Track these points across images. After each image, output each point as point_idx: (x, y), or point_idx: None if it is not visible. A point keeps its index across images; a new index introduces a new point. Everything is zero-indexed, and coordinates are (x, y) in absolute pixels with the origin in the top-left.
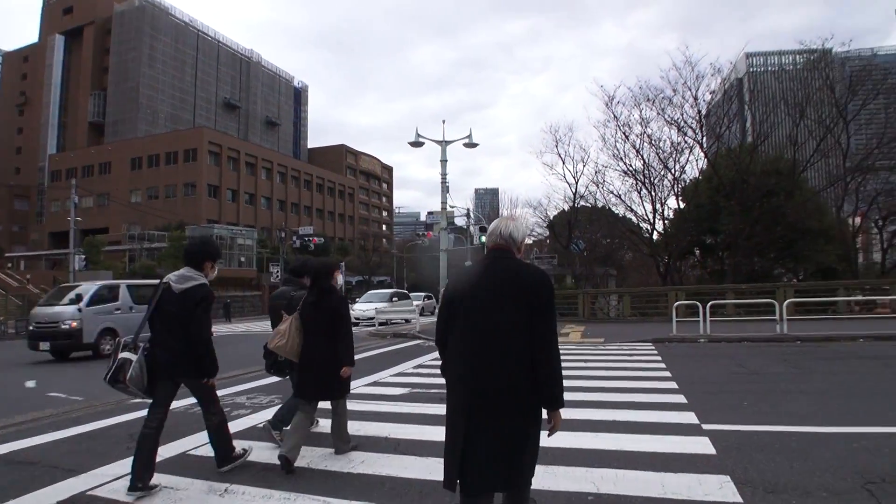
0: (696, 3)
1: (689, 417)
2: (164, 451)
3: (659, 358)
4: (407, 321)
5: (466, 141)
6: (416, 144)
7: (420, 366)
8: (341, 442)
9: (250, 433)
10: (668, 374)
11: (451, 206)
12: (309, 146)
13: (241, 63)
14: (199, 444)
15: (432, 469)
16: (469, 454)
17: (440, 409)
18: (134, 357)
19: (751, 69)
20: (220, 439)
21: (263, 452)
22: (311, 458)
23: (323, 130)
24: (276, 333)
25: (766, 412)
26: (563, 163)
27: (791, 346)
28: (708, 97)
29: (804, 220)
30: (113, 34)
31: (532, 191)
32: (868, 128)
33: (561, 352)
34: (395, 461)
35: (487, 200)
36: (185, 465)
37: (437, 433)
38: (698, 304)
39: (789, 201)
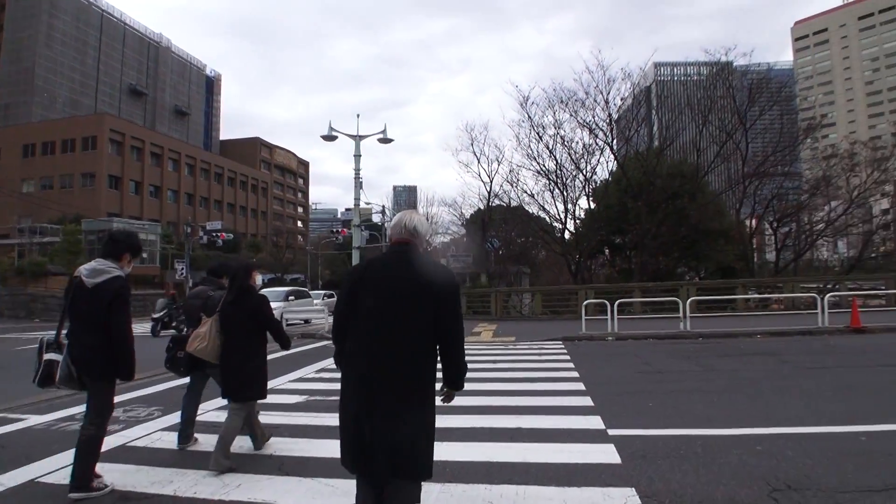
0: (609, 13)
1: (595, 422)
2: (8, 480)
3: (568, 357)
4: (306, 321)
5: (381, 136)
6: (329, 138)
7: (323, 370)
8: (222, 455)
9: (115, 455)
10: (576, 374)
11: (367, 203)
12: (221, 138)
13: (150, 48)
14: (54, 468)
15: (316, 493)
16: (365, 445)
17: (336, 420)
18: (59, 357)
19: (658, 78)
20: (87, 456)
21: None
22: (179, 483)
23: (237, 122)
24: (196, 336)
25: (672, 414)
26: (479, 161)
27: (694, 342)
28: (618, 102)
29: (706, 221)
30: (7, 9)
31: (449, 189)
32: (764, 136)
33: (471, 352)
34: (276, 484)
35: (405, 198)
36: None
37: (329, 448)
38: (607, 302)
39: (692, 203)
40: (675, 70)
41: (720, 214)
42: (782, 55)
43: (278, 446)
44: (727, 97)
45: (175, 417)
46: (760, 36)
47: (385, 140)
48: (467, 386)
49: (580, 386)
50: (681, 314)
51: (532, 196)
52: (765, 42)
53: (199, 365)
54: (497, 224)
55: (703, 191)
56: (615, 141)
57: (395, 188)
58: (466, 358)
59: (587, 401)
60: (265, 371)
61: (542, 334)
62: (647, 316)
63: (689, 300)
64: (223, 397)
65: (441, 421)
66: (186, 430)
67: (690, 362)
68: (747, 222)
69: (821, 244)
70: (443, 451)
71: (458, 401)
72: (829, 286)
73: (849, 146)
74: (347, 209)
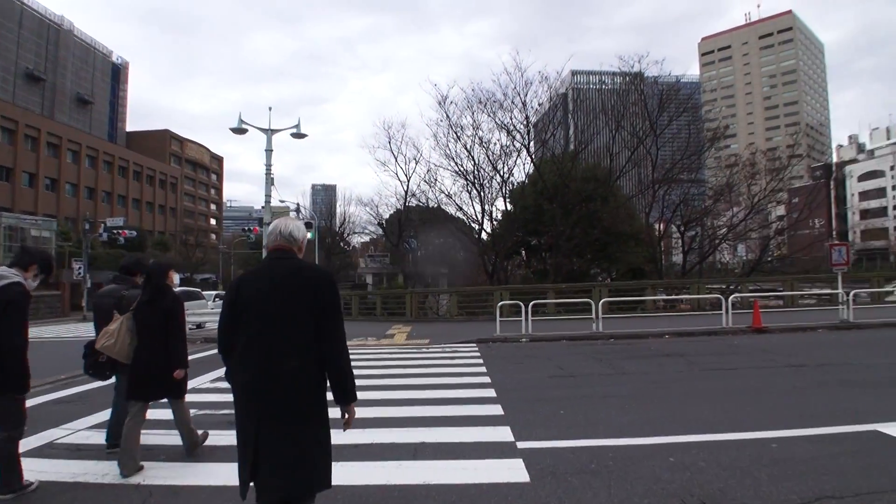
0: (529, 21)
1: (505, 434)
2: None
3: (481, 360)
4: (199, 326)
5: (294, 131)
6: (239, 131)
7: (219, 378)
8: (192, 443)
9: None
10: (487, 379)
11: (282, 201)
12: (128, 129)
13: (50, 30)
14: None
15: None
16: (261, 461)
17: (224, 437)
18: None
19: (575, 85)
20: (5, 461)
21: None
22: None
23: (146, 114)
24: (104, 333)
25: (583, 423)
26: (396, 160)
27: (606, 343)
28: (535, 104)
29: (617, 224)
30: None
31: (369, 189)
32: (673, 143)
33: (382, 356)
34: None
35: (323, 197)
36: None
37: (210, 473)
38: (521, 303)
39: (605, 206)
40: (591, 78)
41: (631, 218)
42: (690, 69)
43: (151, 472)
44: (639, 103)
45: (103, 416)
46: (670, 50)
47: (298, 135)
48: (372, 395)
49: (491, 392)
50: (593, 315)
51: (449, 196)
52: (674, 56)
53: (122, 366)
54: (415, 224)
55: (615, 195)
56: (532, 143)
57: (313, 186)
58: (379, 362)
59: (497, 409)
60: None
61: (456, 336)
62: (561, 317)
63: (602, 301)
64: (128, 399)
65: (338, 436)
66: (115, 430)
67: (602, 365)
68: (656, 226)
69: (723, 248)
70: (337, 474)
71: (361, 412)
72: (731, 287)
73: (750, 155)
74: (263, 206)
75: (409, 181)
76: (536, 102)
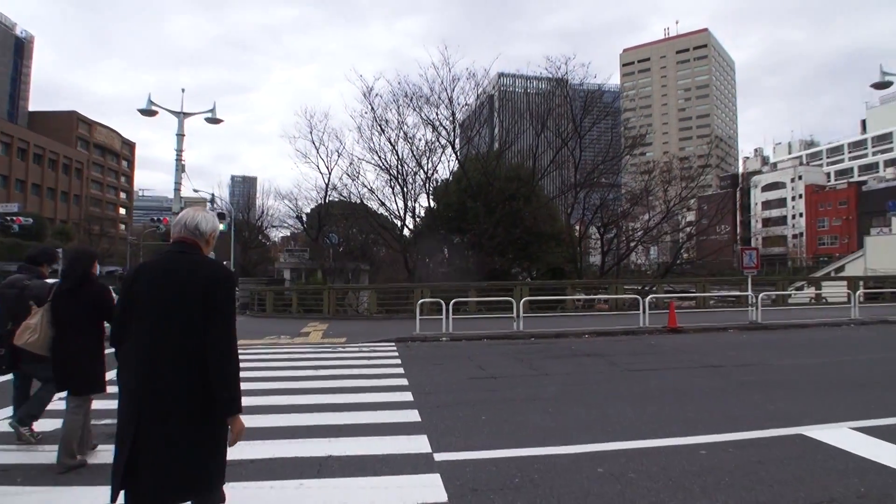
0: (458, 22)
1: (422, 444)
2: None
3: (399, 361)
4: None
5: (209, 115)
6: (148, 113)
7: (110, 381)
8: (67, 455)
9: None
10: (405, 381)
11: (195, 191)
12: (31, 109)
13: None
14: None
15: None
16: (137, 464)
17: (100, 455)
18: None
19: (501, 87)
20: None
21: None
22: None
23: (52, 93)
24: (26, 328)
25: (506, 430)
26: (318, 151)
27: (527, 343)
28: (462, 101)
29: (539, 224)
30: None
31: (290, 182)
32: (595, 146)
33: (294, 356)
34: None
35: (243, 189)
36: None
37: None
38: (442, 301)
39: (528, 206)
40: (518, 81)
41: (552, 218)
42: (612, 79)
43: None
44: (564, 105)
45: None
46: (593, 59)
47: (213, 120)
48: (279, 400)
49: (408, 396)
50: (514, 314)
51: (372, 191)
52: (598, 64)
53: (22, 361)
54: (336, 219)
55: (537, 195)
56: (457, 140)
57: (232, 178)
58: (290, 362)
59: (414, 415)
60: (104, 363)
61: (375, 334)
62: (483, 316)
63: (523, 300)
64: (59, 390)
65: (237, 451)
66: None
67: (524, 365)
68: (577, 227)
69: (639, 250)
70: (228, 498)
71: (264, 420)
72: (647, 288)
73: (666, 162)
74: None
75: (330, 174)
76: (463, 99)
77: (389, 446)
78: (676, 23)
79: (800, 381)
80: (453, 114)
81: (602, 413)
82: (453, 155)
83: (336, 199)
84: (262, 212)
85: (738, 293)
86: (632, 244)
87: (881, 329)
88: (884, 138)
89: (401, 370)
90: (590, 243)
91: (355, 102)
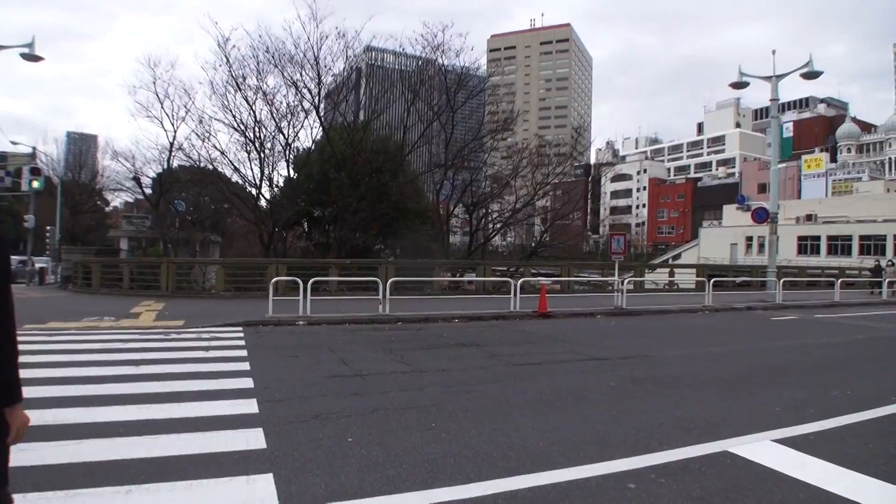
0: None
1: (264, 488)
2: None
3: (245, 353)
4: None
5: (26, 51)
6: None
7: None
8: None
9: None
10: (249, 382)
11: (13, 143)
12: None
13: None
14: None
15: None
16: None
17: None
18: None
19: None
20: None
21: None
22: None
23: None
24: None
25: (380, 459)
26: (162, 105)
27: (394, 328)
28: (329, 61)
29: (406, 200)
30: None
31: (133, 141)
32: (465, 124)
33: (118, 341)
34: None
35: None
36: None
37: None
38: (300, 280)
39: (394, 181)
40: (387, 57)
41: (419, 195)
42: (480, 63)
43: None
44: (438, 76)
45: None
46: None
47: (31, 57)
48: (67, 416)
49: (251, 405)
50: (380, 295)
51: (224, 154)
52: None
53: None
54: (185, 185)
55: (404, 170)
56: (322, 105)
57: (69, 134)
58: (104, 354)
59: (257, 437)
60: None
61: (221, 317)
62: (345, 296)
63: (390, 281)
64: None
65: None
66: None
67: (394, 358)
68: (446, 205)
69: (504, 232)
70: None
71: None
72: (512, 271)
73: (540, 144)
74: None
75: (175, 132)
76: (331, 60)
77: (219, 494)
78: (542, 15)
79: (692, 378)
80: (319, 75)
81: (497, 430)
82: (317, 121)
83: (185, 164)
84: (96, 172)
85: (608, 278)
86: (498, 225)
87: (732, 316)
88: (717, 140)
89: (246, 365)
90: (454, 223)
91: (209, 54)
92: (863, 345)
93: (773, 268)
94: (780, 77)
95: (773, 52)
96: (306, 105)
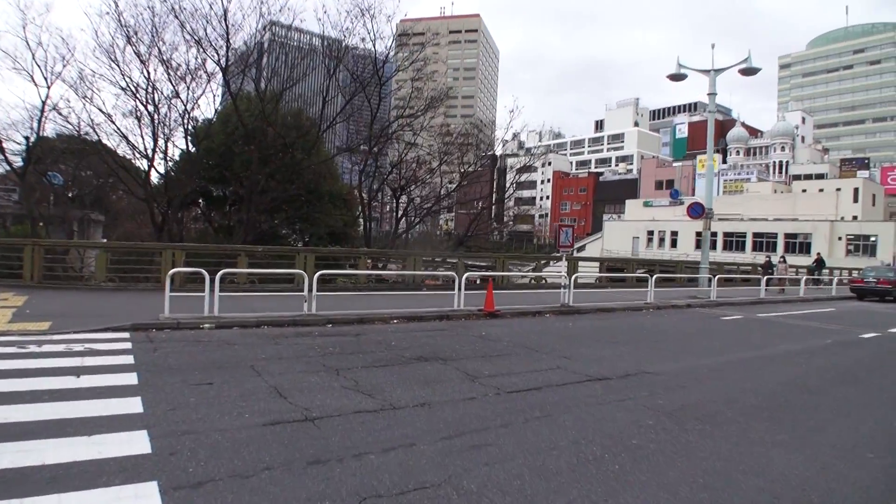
0: None
1: None
2: None
3: (134, 378)
4: None
5: None
6: None
7: None
8: None
9: None
10: (142, 439)
11: None
12: None
13: None
14: None
15: None
16: None
17: None
18: None
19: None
20: None
21: None
22: None
23: None
24: None
25: None
26: (34, 56)
27: (325, 333)
28: (239, 17)
29: (319, 180)
30: None
31: (14, 110)
32: (386, 103)
33: None
34: None
35: None
36: None
37: None
38: (205, 273)
39: (308, 159)
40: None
41: (333, 177)
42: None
43: None
44: (366, 43)
45: None
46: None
47: None
48: None
49: (150, 496)
50: (305, 291)
51: (109, 118)
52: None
53: None
54: (60, 154)
55: (318, 150)
56: (229, 66)
57: None
58: None
59: None
60: None
61: (101, 316)
62: (257, 292)
63: (317, 274)
64: None
65: None
66: None
67: (346, 384)
68: (366, 187)
69: (429, 218)
70: None
71: None
72: (438, 261)
73: (473, 125)
74: None
75: (49, 89)
76: (241, 17)
77: None
78: (452, 3)
79: (725, 406)
80: (227, 32)
81: None
82: (220, 88)
83: (61, 130)
84: None
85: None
86: (422, 212)
87: (679, 315)
88: (617, 137)
89: (136, 404)
90: (379, 208)
91: None
92: (845, 352)
93: (706, 264)
94: (718, 71)
95: (713, 45)
96: (210, 66)
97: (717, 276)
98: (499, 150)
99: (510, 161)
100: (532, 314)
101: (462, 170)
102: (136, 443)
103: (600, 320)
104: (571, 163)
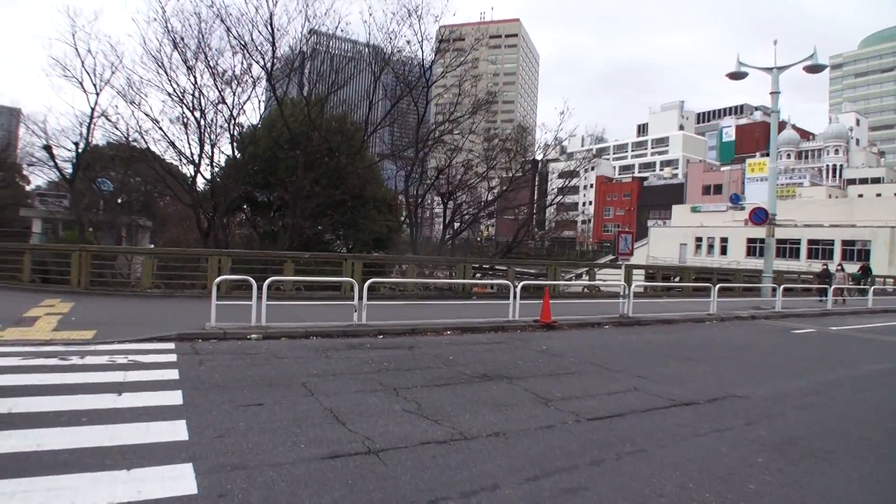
0: None
1: None
2: None
3: (179, 397)
4: None
5: None
6: None
7: None
8: None
9: None
10: (186, 474)
11: None
12: None
13: None
14: None
15: None
16: None
17: None
18: None
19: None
20: None
21: None
22: None
23: None
24: None
25: None
26: (83, 63)
27: (378, 346)
28: (284, 21)
29: (364, 186)
30: None
31: (63, 117)
32: (440, 99)
33: None
34: None
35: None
36: None
37: None
38: (252, 280)
39: (354, 164)
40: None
41: (377, 182)
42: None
43: None
44: (414, 41)
45: None
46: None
47: None
48: None
49: None
50: (355, 300)
51: (156, 123)
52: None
53: None
54: (110, 161)
55: (364, 154)
56: (274, 69)
57: None
58: None
59: None
60: None
61: (147, 324)
62: (305, 300)
63: (368, 283)
64: None
65: None
66: None
67: (408, 406)
68: (413, 191)
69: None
70: None
71: None
72: (486, 268)
73: (518, 129)
74: None
75: (98, 95)
76: (287, 20)
77: None
78: (492, 8)
79: (834, 441)
80: (273, 36)
81: None
82: (265, 93)
83: (109, 136)
84: (8, 143)
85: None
86: (467, 217)
87: (745, 327)
88: (661, 141)
89: (181, 429)
90: (425, 213)
91: (141, 3)
92: None
93: (770, 272)
94: (781, 69)
95: (775, 42)
96: (256, 71)
97: (781, 286)
98: (539, 155)
99: (552, 166)
100: (591, 325)
101: (510, 174)
102: (180, 480)
103: (665, 333)
104: (614, 167)
